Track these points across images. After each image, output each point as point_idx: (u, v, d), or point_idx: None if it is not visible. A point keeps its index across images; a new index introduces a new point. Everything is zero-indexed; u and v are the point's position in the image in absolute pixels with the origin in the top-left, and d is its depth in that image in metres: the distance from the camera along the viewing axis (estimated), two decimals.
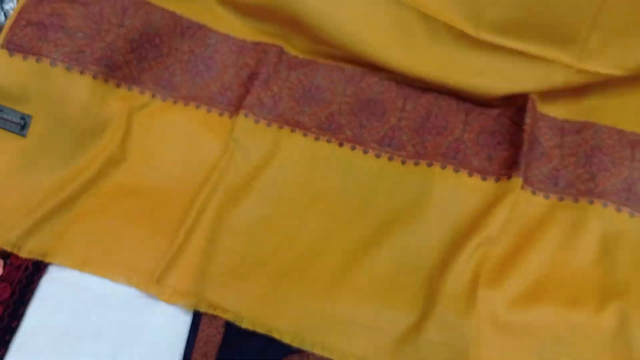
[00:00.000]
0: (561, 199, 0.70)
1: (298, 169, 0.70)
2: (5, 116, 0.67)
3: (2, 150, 0.67)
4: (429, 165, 0.70)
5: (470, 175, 0.70)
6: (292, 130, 0.72)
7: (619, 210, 0.69)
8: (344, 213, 0.68)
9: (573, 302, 0.64)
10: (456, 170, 0.70)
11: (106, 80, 0.71)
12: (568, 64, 0.69)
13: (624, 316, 0.63)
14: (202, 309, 0.62)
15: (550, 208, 0.69)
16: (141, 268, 0.63)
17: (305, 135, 0.73)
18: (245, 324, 0.61)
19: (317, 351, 0.59)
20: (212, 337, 0.62)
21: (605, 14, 0.65)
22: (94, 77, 0.70)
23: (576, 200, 0.70)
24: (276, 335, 0.60)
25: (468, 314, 0.60)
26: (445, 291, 0.61)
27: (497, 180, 0.69)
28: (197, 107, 0.74)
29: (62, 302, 0.64)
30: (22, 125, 0.68)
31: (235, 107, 0.74)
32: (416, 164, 0.71)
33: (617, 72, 0.70)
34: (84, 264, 0.64)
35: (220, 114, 0.74)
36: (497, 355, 0.60)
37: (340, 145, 0.72)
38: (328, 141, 0.72)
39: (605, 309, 0.63)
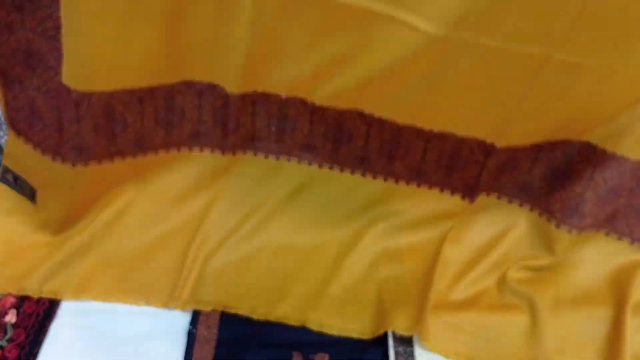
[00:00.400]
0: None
1: (287, 192, 0.86)
2: (21, 184, 0.79)
3: (20, 211, 0.80)
4: (396, 182, 0.85)
5: (430, 188, 0.85)
6: (277, 158, 0.84)
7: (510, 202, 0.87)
8: (328, 226, 0.85)
9: (496, 306, 0.81)
10: (418, 185, 0.85)
11: (86, 164, 0.76)
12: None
13: (534, 316, 0.80)
14: (219, 308, 0.77)
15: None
16: (155, 292, 0.78)
17: (289, 160, 0.85)
18: (257, 316, 0.77)
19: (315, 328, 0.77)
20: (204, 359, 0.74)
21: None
22: (73, 164, 0.75)
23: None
24: (283, 320, 0.78)
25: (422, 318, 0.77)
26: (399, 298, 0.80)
27: (452, 193, 0.85)
28: (179, 149, 0.83)
29: (72, 341, 0.74)
30: (32, 194, 0.80)
31: (218, 145, 0.83)
32: (385, 179, 0.85)
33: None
34: (108, 296, 0.77)
35: (201, 150, 0.84)
36: (441, 345, 0.76)
37: (320, 166, 0.85)
38: (309, 163, 0.84)
39: (520, 311, 0.80)
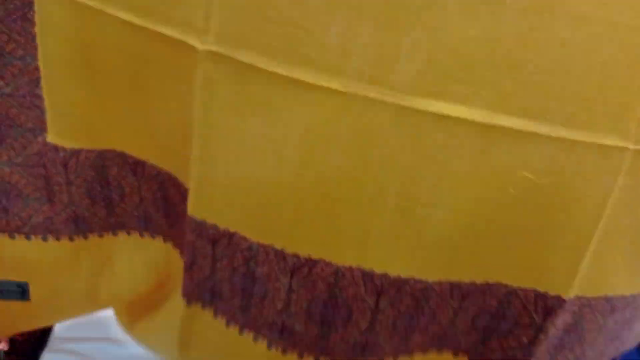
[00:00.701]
0: None
1: None
2: (1, 287, 0.69)
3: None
4: (410, 355, 0.62)
5: (456, 355, 0.62)
6: (240, 332, 0.62)
7: None
8: None
9: None
10: (439, 351, 0.62)
11: (85, 237, 0.68)
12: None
13: None
14: None
15: None
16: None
17: (255, 339, 0.62)
18: None
19: None
20: None
21: None
22: (71, 239, 0.67)
23: None
24: None
25: None
26: None
27: None
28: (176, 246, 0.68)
29: None
30: (21, 292, 0.70)
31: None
32: (394, 357, 0.61)
33: None
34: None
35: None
36: None
37: (300, 357, 0.60)
38: (283, 353, 0.61)
39: None
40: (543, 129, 0.45)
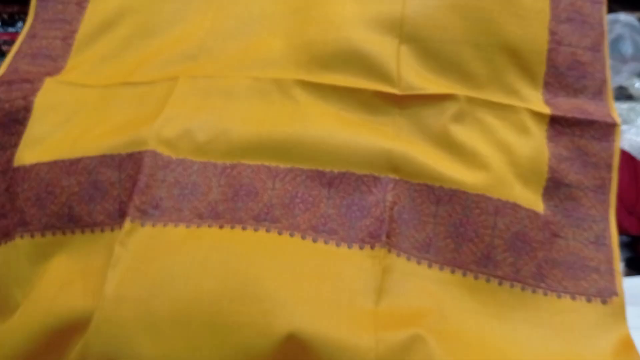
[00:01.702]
0: (430, 266, 0.78)
1: (185, 258, 0.71)
2: None
3: None
4: (303, 238, 0.75)
5: (338, 245, 0.76)
6: (176, 225, 0.73)
7: (476, 277, 0.77)
8: (228, 290, 0.69)
9: None
10: (326, 242, 0.76)
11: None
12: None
13: None
14: None
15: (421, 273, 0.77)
16: None
17: (188, 227, 0.74)
18: None
19: None
20: None
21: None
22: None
23: (441, 269, 0.77)
24: None
25: None
26: None
27: (361, 247, 0.75)
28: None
29: None
30: None
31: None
32: (291, 235, 0.76)
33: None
34: None
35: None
36: None
37: (221, 227, 0.74)
38: (209, 226, 0.74)
39: None
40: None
